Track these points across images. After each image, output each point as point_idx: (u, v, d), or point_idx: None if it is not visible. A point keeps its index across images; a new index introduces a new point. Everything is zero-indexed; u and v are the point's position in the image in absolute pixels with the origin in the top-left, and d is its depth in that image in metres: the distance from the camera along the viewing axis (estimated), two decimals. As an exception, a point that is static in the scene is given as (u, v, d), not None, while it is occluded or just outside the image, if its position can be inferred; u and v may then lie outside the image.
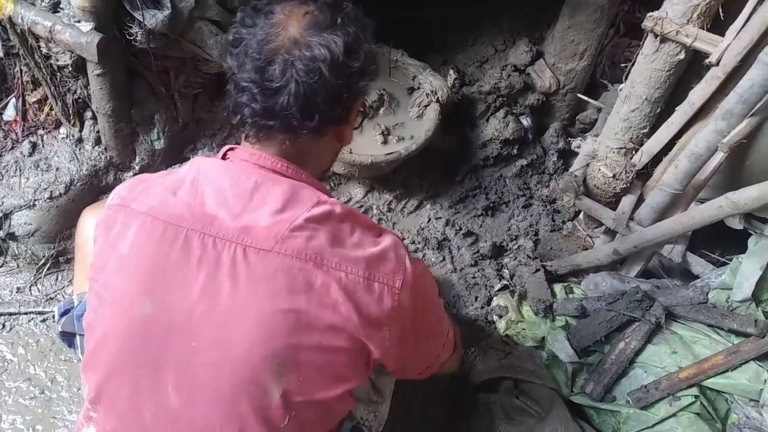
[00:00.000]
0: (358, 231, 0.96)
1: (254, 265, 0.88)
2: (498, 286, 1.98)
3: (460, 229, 2.17)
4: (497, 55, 2.35)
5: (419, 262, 1.04)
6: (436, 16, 2.53)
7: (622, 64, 1.99)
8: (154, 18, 1.71)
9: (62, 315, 1.32)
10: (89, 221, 1.38)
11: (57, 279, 1.93)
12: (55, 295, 1.90)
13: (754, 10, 1.50)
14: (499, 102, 2.25)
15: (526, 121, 2.28)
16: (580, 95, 2.24)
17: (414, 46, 2.32)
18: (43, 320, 1.83)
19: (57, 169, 1.93)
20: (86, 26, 1.67)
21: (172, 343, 0.90)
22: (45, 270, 1.92)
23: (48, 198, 1.88)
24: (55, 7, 1.75)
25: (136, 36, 1.73)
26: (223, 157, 1.02)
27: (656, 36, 1.63)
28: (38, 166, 1.93)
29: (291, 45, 0.91)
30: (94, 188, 1.97)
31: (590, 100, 2.22)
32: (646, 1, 2.38)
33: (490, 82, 2.22)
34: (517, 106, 2.30)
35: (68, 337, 1.31)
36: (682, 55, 1.64)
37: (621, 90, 1.84)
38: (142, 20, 1.70)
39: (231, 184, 0.94)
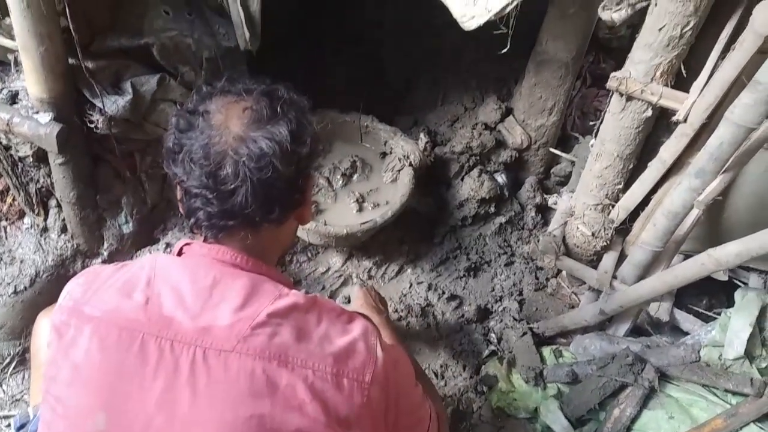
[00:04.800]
0: (324, 321, 0.93)
1: (214, 369, 0.84)
2: (486, 353, 1.92)
3: (443, 292, 2.11)
4: (467, 113, 2.35)
5: (393, 349, 1.00)
6: (402, 77, 2.54)
7: (591, 123, 1.99)
8: (114, 104, 1.68)
9: (18, 429, 1.24)
10: (44, 326, 1.32)
11: (23, 378, 1.83)
12: (22, 396, 1.80)
13: (715, 67, 1.50)
14: (473, 161, 2.23)
15: (501, 179, 2.26)
16: (552, 149, 2.24)
17: (383, 109, 2.31)
18: (8, 425, 1.72)
19: (21, 261, 1.86)
20: (45, 117, 1.63)
21: None
22: (10, 369, 1.82)
23: (12, 293, 1.81)
24: (13, 99, 1.72)
25: (97, 123, 1.70)
26: (179, 253, 0.99)
27: (621, 95, 1.63)
28: (1, 259, 1.86)
29: (237, 144, 0.89)
30: (61, 278, 1.89)
31: (562, 154, 2.21)
32: (610, 52, 2.42)
33: (461, 141, 2.21)
34: (491, 164, 2.28)
35: None
36: (649, 113, 1.63)
37: (592, 146, 1.83)
38: (102, 107, 1.67)
39: (189, 282, 0.90)
